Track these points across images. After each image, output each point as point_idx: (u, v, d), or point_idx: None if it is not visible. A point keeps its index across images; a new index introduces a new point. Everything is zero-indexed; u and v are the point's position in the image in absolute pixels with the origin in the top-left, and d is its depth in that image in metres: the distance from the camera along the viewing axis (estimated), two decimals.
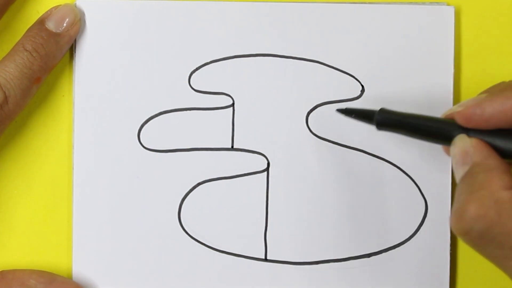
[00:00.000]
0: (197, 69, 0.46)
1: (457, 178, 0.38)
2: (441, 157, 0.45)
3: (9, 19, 0.46)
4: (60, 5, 0.45)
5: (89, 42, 0.46)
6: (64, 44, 0.45)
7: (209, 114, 0.46)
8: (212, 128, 0.46)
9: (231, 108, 0.46)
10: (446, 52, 0.46)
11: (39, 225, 0.47)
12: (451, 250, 0.46)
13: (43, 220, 0.47)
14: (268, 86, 0.46)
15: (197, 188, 0.46)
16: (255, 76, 0.46)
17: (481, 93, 0.40)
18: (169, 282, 0.46)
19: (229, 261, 0.46)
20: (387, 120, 0.41)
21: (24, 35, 0.44)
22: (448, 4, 0.46)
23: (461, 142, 0.38)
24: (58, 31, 0.45)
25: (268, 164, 0.46)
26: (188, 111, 0.46)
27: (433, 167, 0.46)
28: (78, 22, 0.45)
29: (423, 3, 0.46)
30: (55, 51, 0.44)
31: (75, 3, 0.46)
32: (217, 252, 0.46)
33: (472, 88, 0.46)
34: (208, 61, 0.46)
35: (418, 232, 0.46)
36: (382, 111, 0.42)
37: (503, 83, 0.39)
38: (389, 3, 0.46)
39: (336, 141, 0.46)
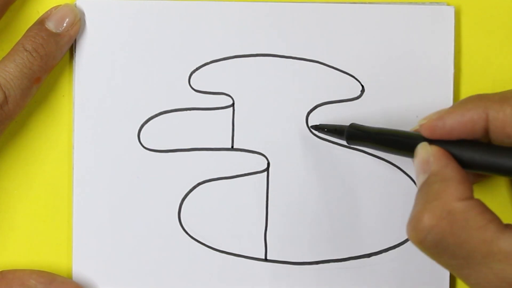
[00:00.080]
0: (197, 69, 0.46)
1: (417, 187, 0.39)
2: None
3: (9, 19, 0.47)
4: (60, 5, 0.45)
5: (89, 42, 0.46)
6: (64, 44, 0.45)
7: (209, 114, 0.46)
8: (212, 128, 0.46)
9: (231, 108, 0.46)
10: (446, 52, 0.46)
11: (39, 225, 0.47)
12: None
13: (43, 220, 0.47)
14: (268, 86, 0.46)
15: (197, 188, 0.46)
16: (255, 76, 0.46)
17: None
18: (169, 282, 0.46)
19: (229, 261, 0.47)
20: (356, 135, 0.43)
21: (24, 35, 0.44)
22: (448, 4, 0.46)
23: (422, 150, 0.39)
24: (58, 31, 0.45)
25: (268, 164, 0.47)
26: (188, 111, 0.46)
27: None
28: (78, 22, 0.45)
29: (423, 3, 0.46)
30: (55, 51, 0.44)
31: (75, 3, 0.46)
32: (217, 252, 0.47)
33: (472, 88, 0.46)
34: (208, 61, 0.46)
35: None
36: (352, 126, 0.43)
37: (471, 96, 0.40)
38: (389, 3, 0.46)
39: (336, 141, 0.46)
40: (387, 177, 0.46)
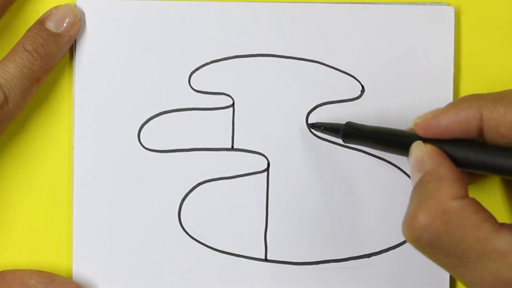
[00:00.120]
0: (197, 69, 0.46)
1: (412, 185, 0.39)
2: None
3: (9, 19, 0.47)
4: (60, 5, 0.45)
5: (89, 42, 0.46)
6: (64, 44, 0.45)
7: (209, 114, 0.47)
8: (212, 128, 0.46)
9: (231, 108, 0.46)
10: (446, 52, 0.46)
11: (39, 225, 0.47)
12: None
13: (43, 220, 0.47)
14: (268, 86, 0.46)
15: (197, 188, 0.47)
16: (255, 76, 0.46)
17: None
18: (169, 282, 0.47)
19: (229, 261, 0.47)
20: (351, 134, 0.43)
21: (24, 35, 0.45)
22: (448, 4, 0.46)
23: (417, 149, 0.39)
24: (58, 31, 0.45)
25: (268, 164, 0.47)
26: (188, 111, 0.46)
27: None
28: (78, 22, 0.46)
29: (423, 3, 0.46)
30: (55, 51, 0.45)
31: (75, 3, 0.46)
32: (217, 252, 0.47)
33: (472, 88, 0.46)
34: (208, 61, 0.46)
35: None
36: (348, 125, 0.43)
37: (465, 96, 0.40)
38: (389, 3, 0.46)
39: (336, 141, 0.46)
40: (387, 177, 0.46)
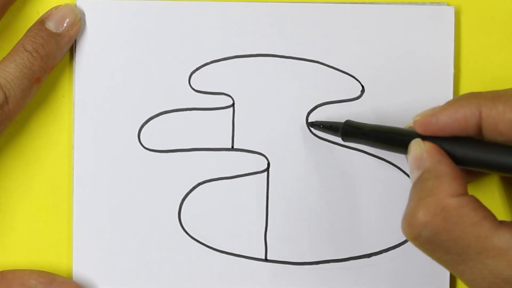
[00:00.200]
0: (197, 69, 0.47)
1: (412, 183, 0.39)
2: None
3: (9, 19, 0.47)
4: (60, 5, 0.46)
5: (89, 42, 0.46)
6: (64, 44, 0.45)
7: (209, 114, 0.47)
8: (212, 128, 0.47)
9: (231, 108, 0.47)
10: (446, 52, 0.46)
11: (39, 225, 0.47)
12: None
13: (43, 220, 0.47)
14: (268, 86, 0.47)
15: (197, 188, 0.47)
16: (255, 76, 0.47)
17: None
18: (169, 282, 0.47)
19: (229, 261, 0.47)
20: (351, 132, 0.43)
21: (24, 35, 0.45)
22: (448, 4, 0.46)
23: (416, 146, 0.40)
24: (58, 31, 0.45)
25: (268, 164, 0.47)
26: (188, 111, 0.47)
27: None
28: (78, 22, 0.46)
29: (423, 3, 0.46)
30: (55, 51, 0.45)
31: (75, 3, 0.46)
32: (217, 252, 0.47)
33: (472, 88, 0.46)
34: (208, 61, 0.47)
35: None
36: (347, 123, 0.43)
37: (464, 94, 0.40)
38: (389, 3, 0.46)
39: (336, 141, 0.46)
40: (388, 177, 0.47)
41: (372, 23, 0.46)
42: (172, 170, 0.47)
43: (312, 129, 0.46)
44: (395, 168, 0.47)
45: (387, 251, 0.47)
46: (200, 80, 0.47)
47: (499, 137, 0.38)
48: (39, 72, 0.44)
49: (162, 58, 0.46)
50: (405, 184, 0.46)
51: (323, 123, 0.45)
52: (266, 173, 0.47)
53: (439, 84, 0.46)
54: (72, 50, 0.46)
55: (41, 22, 0.45)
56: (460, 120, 0.39)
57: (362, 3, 0.46)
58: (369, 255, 0.47)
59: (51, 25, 0.45)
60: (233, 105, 0.47)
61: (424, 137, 0.40)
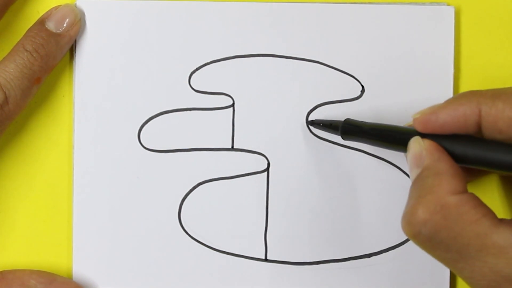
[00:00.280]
0: (197, 69, 0.47)
1: (411, 181, 0.39)
2: None
3: (9, 19, 0.47)
4: (60, 5, 0.46)
5: (89, 42, 0.46)
6: (64, 45, 0.45)
7: (209, 114, 0.47)
8: (212, 128, 0.47)
9: (231, 108, 0.47)
10: (446, 52, 0.46)
11: (39, 225, 0.47)
12: None
13: (43, 220, 0.47)
14: (268, 86, 0.47)
15: (197, 188, 0.47)
16: (255, 76, 0.47)
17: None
18: (169, 282, 0.47)
19: (229, 261, 0.47)
20: (350, 130, 0.43)
21: (24, 35, 0.45)
22: (448, 4, 0.47)
23: (415, 144, 0.40)
24: (58, 31, 0.45)
25: (268, 164, 0.47)
26: (188, 111, 0.47)
27: None
28: (78, 22, 0.46)
29: (423, 3, 0.46)
30: (55, 51, 0.45)
31: (75, 3, 0.46)
32: (217, 252, 0.47)
33: (472, 88, 0.46)
34: (208, 61, 0.47)
35: None
36: (347, 122, 0.44)
37: (464, 92, 0.40)
38: (389, 3, 0.47)
39: (336, 141, 0.46)
40: (388, 177, 0.47)
41: (372, 23, 0.46)
42: (172, 170, 0.47)
43: (312, 129, 0.47)
44: (395, 168, 0.47)
45: (387, 251, 0.47)
46: (200, 80, 0.47)
47: (498, 135, 0.38)
48: (39, 72, 0.44)
49: (162, 58, 0.47)
50: (405, 184, 0.46)
51: (323, 121, 0.46)
52: (266, 173, 0.47)
53: (439, 84, 0.46)
54: (72, 50, 0.47)
55: (41, 22, 0.45)
56: (459, 118, 0.39)
57: (362, 3, 0.47)
58: (369, 255, 0.47)
59: (51, 25, 0.45)
60: (233, 105, 0.47)
61: (423, 135, 0.40)
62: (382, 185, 0.47)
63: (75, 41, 0.46)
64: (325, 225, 0.47)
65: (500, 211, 0.46)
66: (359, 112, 0.46)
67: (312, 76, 0.47)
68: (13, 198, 0.47)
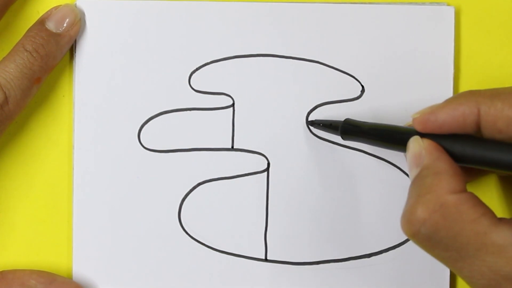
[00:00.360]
0: (197, 69, 0.47)
1: (410, 180, 0.39)
2: None
3: (9, 19, 0.47)
4: (60, 5, 0.46)
5: (89, 42, 0.47)
6: (64, 44, 0.45)
7: (209, 114, 0.47)
8: (212, 128, 0.47)
9: (231, 108, 0.47)
10: (446, 52, 0.46)
11: (39, 225, 0.47)
12: None
13: (43, 220, 0.47)
14: (268, 86, 0.47)
15: (197, 188, 0.47)
16: (255, 76, 0.47)
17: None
18: (169, 282, 0.47)
19: (229, 261, 0.47)
20: (350, 130, 0.43)
21: (24, 35, 0.45)
22: (448, 4, 0.47)
23: (414, 144, 0.40)
24: (58, 31, 0.45)
25: (268, 164, 0.47)
26: (188, 111, 0.47)
27: None
28: (78, 23, 0.46)
29: (423, 3, 0.46)
30: (55, 51, 0.45)
31: (75, 3, 0.46)
32: (217, 252, 0.47)
33: (472, 88, 0.46)
34: (208, 61, 0.47)
35: None
36: (347, 122, 0.44)
37: (463, 91, 0.40)
38: (389, 3, 0.47)
39: (336, 141, 0.47)
40: (388, 177, 0.47)
41: (372, 23, 0.47)
42: (172, 170, 0.47)
43: (312, 129, 0.47)
44: (395, 168, 0.47)
45: (387, 251, 0.47)
46: (200, 80, 0.47)
47: (497, 135, 0.38)
48: (39, 72, 0.44)
49: (162, 58, 0.47)
50: (405, 184, 0.46)
51: (323, 121, 0.46)
52: (266, 173, 0.47)
53: (439, 84, 0.46)
54: (72, 50, 0.47)
55: (41, 22, 0.45)
56: (458, 118, 0.39)
57: (362, 3, 0.47)
58: (369, 255, 0.47)
59: (51, 25, 0.45)
60: (233, 105, 0.47)
61: (423, 135, 0.40)
62: (382, 185, 0.47)
63: (75, 41, 0.46)
64: (325, 225, 0.47)
65: (499, 211, 0.47)
66: (359, 112, 0.47)
67: (312, 76, 0.47)
68: (13, 198, 0.47)
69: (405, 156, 0.41)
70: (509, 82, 0.47)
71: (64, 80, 0.47)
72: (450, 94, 0.46)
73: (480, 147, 0.38)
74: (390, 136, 0.42)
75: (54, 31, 0.45)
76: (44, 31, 0.45)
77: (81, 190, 0.47)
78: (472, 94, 0.39)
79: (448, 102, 0.40)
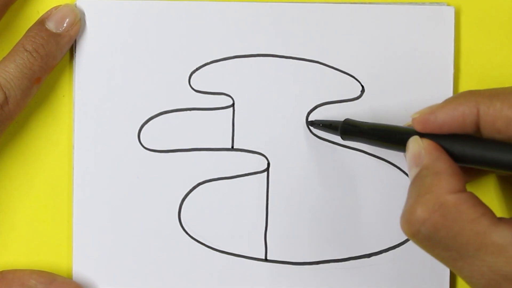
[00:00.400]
0: (197, 69, 0.47)
1: (410, 180, 0.39)
2: None
3: (9, 19, 0.47)
4: (60, 5, 0.46)
5: (89, 42, 0.47)
6: (64, 44, 0.45)
7: (209, 114, 0.47)
8: (212, 128, 0.47)
9: (231, 108, 0.47)
10: (446, 52, 0.47)
11: (39, 225, 0.47)
12: None
13: (43, 220, 0.47)
14: (268, 86, 0.47)
15: (197, 188, 0.47)
16: (255, 76, 0.47)
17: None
18: (169, 282, 0.47)
19: (229, 261, 0.47)
20: (350, 131, 0.43)
21: (24, 35, 0.45)
22: (448, 4, 0.47)
23: (414, 144, 0.40)
24: (58, 31, 0.45)
25: (268, 164, 0.47)
26: (188, 111, 0.47)
27: None
28: (78, 22, 0.46)
29: (423, 3, 0.47)
30: (55, 51, 0.45)
31: (75, 3, 0.46)
32: (217, 252, 0.47)
33: (472, 88, 0.46)
34: (208, 61, 0.47)
35: None
36: (346, 122, 0.44)
37: (462, 92, 0.40)
38: (389, 3, 0.47)
39: (336, 141, 0.47)
40: (388, 177, 0.47)
41: (372, 23, 0.47)
42: (172, 170, 0.47)
43: (312, 129, 0.47)
44: (395, 168, 0.47)
45: (387, 251, 0.47)
46: (200, 80, 0.47)
47: (497, 135, 0.38)
48: (39, 72, 0.44)
49: (162, 58, 0.47)
50: (405, 184, 0.46)
51: (323, 121, 0.46)
52: (266, 173, 0.47)
53: (439, 84, 0.46)
54: (72, 50, 0.47)
55: (41, 22, 0.45)
56: (458, 118, 0.39)
57: (362, 3, 0.47)
58: (369, 255, 0.47)
59: (51, 25, 0.45)
60: (233, 105, 0.47)
61: (422, 135, 0.40)
62: (382, 185, 0.47)
63: (75, 41, 0.46)
64: (325, 225, 0.47)
65: (499, 211, 0.47)
66: (359, 112, 0.47)
67: (312, 76, 0.47)
68: (13, 198, 0.47)
69: (405, 156, 0.41)
70: (509, 82, 0.47)
71: (64, 80, 0.47)
72: (450, 94, 0.46)
73: (479, 147, 0.38)
74: (389, 136, 0.42)
75: (54, 31, 0.45)
76: (44, 31, 0.45)
77: (81, 190, 0.47)
78: (472, 94, 0.39)
79: (447, 102, 0.40)
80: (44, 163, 0.47)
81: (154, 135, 0.47)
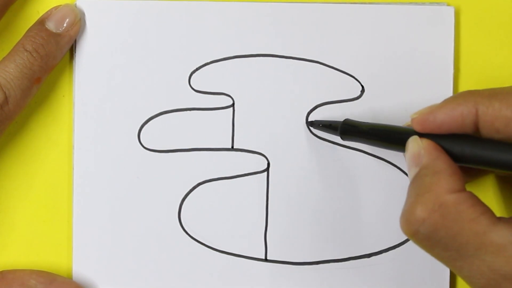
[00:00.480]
0: (197, 69, 0.47)
1: (410, 180, 0.39)
2: None
3: (9, 19, 0.47)
4: (60, 5, 0.46)
5: (89, 42, 0.47)
6: (64, 44, 0.45)
7: (209, 114, 0.47)
8: (212, 128, 0.47)
9: (231, 108, 0.47)
10: (446, 52, 0.47)
11: (39, 225, 0.47)
12: None
13: (43, 220, 0.47)
14: (268, 86, 0.47)
15: (197, 188, 0.47)
16: (255, 76, 0.47)
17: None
18: (169, 282, 0.47)
19: (229, 261, 0.47)
20: (349, 131, 0.44)
21: (24, 35, 0.45)
22: (448, 4, 0.47)
23: (413, 144, 0.40)
24: (58, 31, 0.45)
25: (268, 164, 0.47)
26: (188, 111, 0.47)
27: None
28: (78, 22, 0.46)
29: (423, 3, 0.47)
30: (55, 51, 0.45)
31: (75, 3, 0.46)
32: (217, 252, 0.47)
33: (472, 88, 0.46)
34: (208, 61, 0.47)
35: None
36: (346, 122, 0.44)
37: (461, 92, 0.41)
38: (389, 3, 0.47)
39: (336, 141, 0.47)
40: (388, 177, 0.47)
41: (372, 23, 0.47)
42: (172, 170, 0.47)
43: (312, 129, 0.47)
44: (395, 168, 0.47)
45: (387, 251, 0.47)
46: (200, 80, 0.47)
47: (495, 135, 0.38)
48: (39, 72, 0.44)
49: (162, 58, 0.47)
50: (405, 184, 0.46)
51: (322, 122, 0.46)
52: (266, 173, 0.47)
53: (439, 84, 0.47)
54: (72, 50, 0.47)
55: (41, 22, 0.45)
56: (457, 118, 0.39)
57: (362, 3, 0.47)
58: (369, 255, 0.47)
59: (51, 25, 0.45)
60: (233, 105, 0.47)
61: (421, 135, 0.40)
62: (382, 185, 0.47)
63: (75, 41, 0.47)
64: (325, 225, 0.47)
65: (498, 211, 0.47)
66: (359, 112, 0.47)
67: (312, 76, 0.47)
68: (13, 198, 0.47)
69: (404, 156, 0.41)
70: (509, 82, 0.47)
71: (64, 80, 0.47)
72: (449, 94, 0.47)
73: (478, 147, 0.38)
74: (389, 136, 0.42)
75: (54, 31, 0.45)
76: (44, 31, 0.45)
77: (81, 190, 0.47)
78: (471, 94, 0.39)
79: (446, 102, 0.40)
80: (44, 163, 0.47)
81: (154, 135, 0.47)
